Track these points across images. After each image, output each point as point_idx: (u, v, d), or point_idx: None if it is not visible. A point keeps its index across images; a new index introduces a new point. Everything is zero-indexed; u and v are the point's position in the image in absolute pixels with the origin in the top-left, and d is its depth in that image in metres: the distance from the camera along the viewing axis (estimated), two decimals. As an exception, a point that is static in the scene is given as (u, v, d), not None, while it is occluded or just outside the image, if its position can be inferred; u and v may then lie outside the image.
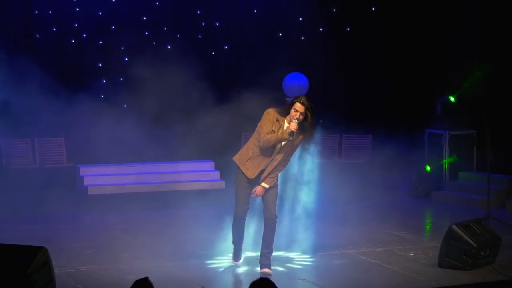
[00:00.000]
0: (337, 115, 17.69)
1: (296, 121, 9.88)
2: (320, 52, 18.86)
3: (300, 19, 19.16)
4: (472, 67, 15.86)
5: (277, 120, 10.03)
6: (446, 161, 16.34)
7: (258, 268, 10.40)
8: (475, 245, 10.32)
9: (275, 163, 10.12)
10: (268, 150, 10.07)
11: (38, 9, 17.86)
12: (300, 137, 10.06)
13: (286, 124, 10.00)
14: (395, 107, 18.18)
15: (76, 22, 18.12)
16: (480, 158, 15.91)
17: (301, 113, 9.88)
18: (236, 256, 10.68)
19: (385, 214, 14.15)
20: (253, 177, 10.14)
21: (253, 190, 10.14)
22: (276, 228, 10.30)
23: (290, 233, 11.52)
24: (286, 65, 18.14)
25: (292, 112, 9.91)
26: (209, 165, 17.80)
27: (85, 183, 16.93)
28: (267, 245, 10.29)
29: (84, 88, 17.28)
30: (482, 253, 10.47)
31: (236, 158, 10.26)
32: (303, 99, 9.94)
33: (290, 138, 9.90)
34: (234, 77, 18.06)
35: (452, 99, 16.67)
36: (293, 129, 9.86)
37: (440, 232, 11.07)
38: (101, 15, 18.27)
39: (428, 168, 16.37)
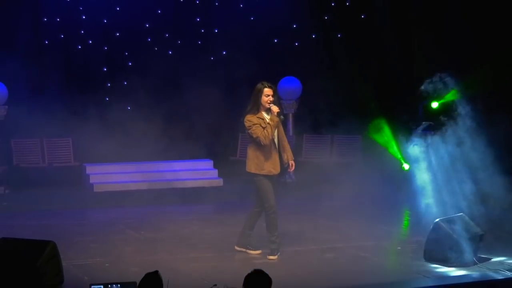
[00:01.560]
0: (328, 117, 17.72)
1: (273, 104, 10.26)
2: (313, 57, 18.89)
3: (294, 26, 19.19)
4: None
5: (259, 118, 10.30)
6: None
7: (255, 261, 10.46)
8: (459, 239, 10.33)
9: (282, 144, 10.51)
10: (270, 143, 10.32)
11: (46, 17, 17.87)
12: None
13: (264, 114, 10.31)
14: (383, 109, 18.17)
15: (82, 29, 18.13)
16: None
17: (272, 95, 10.27)
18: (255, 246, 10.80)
19: (374, 210, 14.15)
20: (279, 170, 10.44)
21: (290, 169, 10.64)
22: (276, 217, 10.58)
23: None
24: (280, 69, 18.17)
25: (264, 98, 10.28)
26: (208, 164, 17.80)
27: (91, 181, 16.94)
28: (252, 228, 10.83)
29: (90, 91, 17.32)
30: (466, 247, 10.47)
31: (252, 169, 10.47)
32: (267, 84, 10.36)
33: (282, 117, 10.37)
34: (231, 80, 18.07)
35: (434, 105, 16.67)
36: (278, 110, 10.26)
37: (426, 227, 11.07)
38: (106, 22, 18.29)
39: (404, 167, 16.32)
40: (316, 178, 17.70)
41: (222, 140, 18.10)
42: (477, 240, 10.78)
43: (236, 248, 10.93)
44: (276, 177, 10.57)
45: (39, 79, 17.61)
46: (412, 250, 11.17)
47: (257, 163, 10.40)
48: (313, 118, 17.88)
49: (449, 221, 10.56)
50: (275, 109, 10.24)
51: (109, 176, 17.20)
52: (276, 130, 10.41)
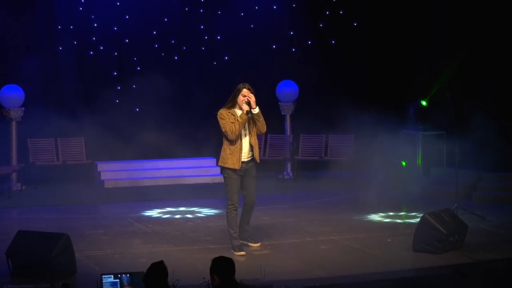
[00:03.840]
0: (323, 117, 17.70)
1: (247, 104, 10.34)
2: (309, 62, 18.86)
3: (291, 33, 19.17)
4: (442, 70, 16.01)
5: (231, 114, 10.36)
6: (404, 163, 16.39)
7: (254, 252, 10.44)
8: (445, 232, 10.34)
9: (249, 143, 10.46)
10: (237, 139, 10.34)
11: (60, 25, 17.85)
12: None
13: (238, 111, 10.37)
14: (375, 110, 18.16)
15: (94, 36, 18.11)
16: (449, 155, 15.90)
17: (248, 97, 10.35)
18: (240, 247, 10.63)
19: (366, 205, 14.14)
20: (240, 166, 10.38)
21: None
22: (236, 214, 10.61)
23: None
24: (279, 73, 18.14)
25: (241, 97, 10.38)
26: (211, 161, 17.77)
27: (102, 178, 16.94)
28: (247, 223, 10.78)
29: (101, 94, 17.30)
30: (451, 239, 10.48)
31: (220, 162, 10.59)
32: (247, 85, 10.46)
33: (250, 115, 10.34)
34: (233, 84, 18.00)
35: (423, 103, 16.67)
36: (247, 109, 10.31)
37: (414, 221, 11.07)
38: (116, 29, 18.27)
39: (404, 163, 16.35)
40: (312, 175, 17.71)
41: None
42: (462, 233, 10.78)
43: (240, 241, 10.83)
44: (251, 173, 10.51)
45: (53, 82, 17.60)
46: (402, 242, 11.16)
47: (223, 156, 10.47)
48: (309, 119, 17.85)
49: (436, 215, 10.56)
50: (245, 107, 10.30)
51: (119, 173, 17.21)
52: (249, 130, 10.41)
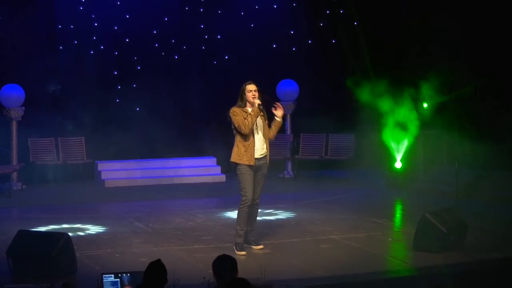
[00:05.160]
0: (323, 117, 17.68)
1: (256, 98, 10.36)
2: (309, 61, 18.86)
3: (292, 32, 19.16)
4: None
5: (243, 111, 10.32)
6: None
7: (255, 251, 10.44)
8: (445, 231, 10.31)
9: (263, 138, 10.41)
10: (250, 135, 10.28)
11: (61, 24, 17.85)
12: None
13: (249, 109, 10.32)
14: (375, 109, 18.16)
15: (95, 35, 18.11)
16: (449, 154, 15.89)
17: (255, 91, 10.35)
18: (242, 246, 10.59)
19: (366, 204, 14.12)
20: (255, 162, 10.32)
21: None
22: (248, 211, 10.49)
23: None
24: (279, 72, 18.13)
25: (248, 93, 10.34)
26: (211, 161, 17.79)
27: (102, 177, 16.93)
28: (252, 224, 10.64)
29: (102, 93, 17.30)
30: (452, 238, 10.45)
31: (234, 158, 10.44)
32: (249, 81, 10.46)
33: (261, 107, 10.33)
34: (233, 83, 18.01)
35: (425, 105, 16.65)
36: (259, 103, 10.31)
37: (414, 220, 11.04)
38: (116, 29, 18.27)
39: (397, 167, 16.21)
40: (312, 174, 17.70)
41: (224, 139, 18.06)
42: (462, 232, 10.76)
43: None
44: (263, 170, 10.48)
45: (53, 81, 17.58)
46: (402, 241, 11.15)
47: (237, 153, 10.38)
48: (309, 118, 17.84)
49: (436, 214, 10.54)
50: (256, 101, 10.28)
51: (119, 172, 17.21)
52: (261, 126, 10.37)
